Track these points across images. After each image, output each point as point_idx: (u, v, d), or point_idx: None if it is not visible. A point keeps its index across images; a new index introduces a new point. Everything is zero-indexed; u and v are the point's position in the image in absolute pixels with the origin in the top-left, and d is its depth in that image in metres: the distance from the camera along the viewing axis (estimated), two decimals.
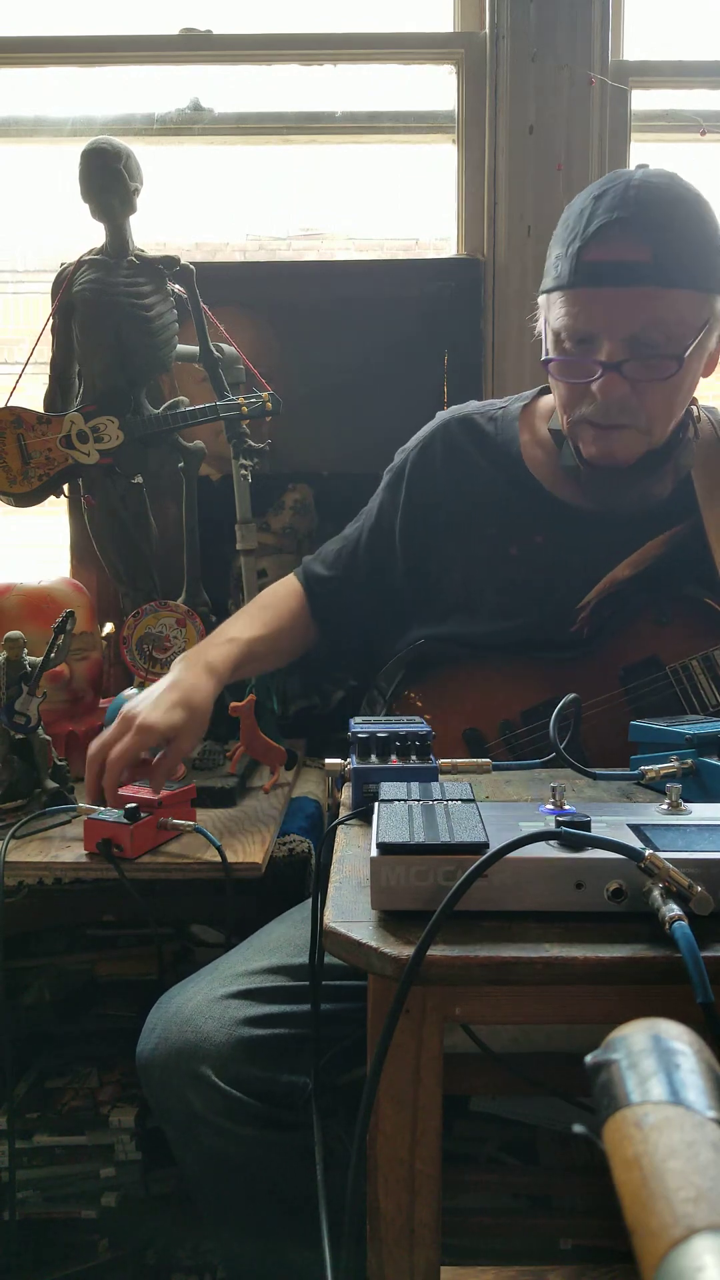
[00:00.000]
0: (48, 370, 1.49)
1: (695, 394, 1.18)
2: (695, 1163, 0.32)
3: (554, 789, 0.72)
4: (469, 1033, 0.81)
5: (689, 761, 0.88)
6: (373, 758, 0.88)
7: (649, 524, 1.20)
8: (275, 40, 1.84)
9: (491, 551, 1.24)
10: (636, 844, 0.64)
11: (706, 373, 1.17)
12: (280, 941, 1.12)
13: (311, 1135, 0.90)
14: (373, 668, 1.35)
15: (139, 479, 1.44)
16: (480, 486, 1.27)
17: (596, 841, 0.64)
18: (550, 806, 0.71)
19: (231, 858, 1.14)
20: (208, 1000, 1.02)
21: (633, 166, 1.16)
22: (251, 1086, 0.97)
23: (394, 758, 0.88)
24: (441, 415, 1.37)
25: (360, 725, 0.93)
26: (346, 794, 0.90)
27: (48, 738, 1.29)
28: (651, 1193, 0.32)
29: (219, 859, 1.13)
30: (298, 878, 1.31)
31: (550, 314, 1.14)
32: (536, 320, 1.21)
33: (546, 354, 1.15)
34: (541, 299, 1.17)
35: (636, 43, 1.82)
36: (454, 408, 1.38)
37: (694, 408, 1.20)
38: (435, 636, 1.25)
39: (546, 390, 1.35)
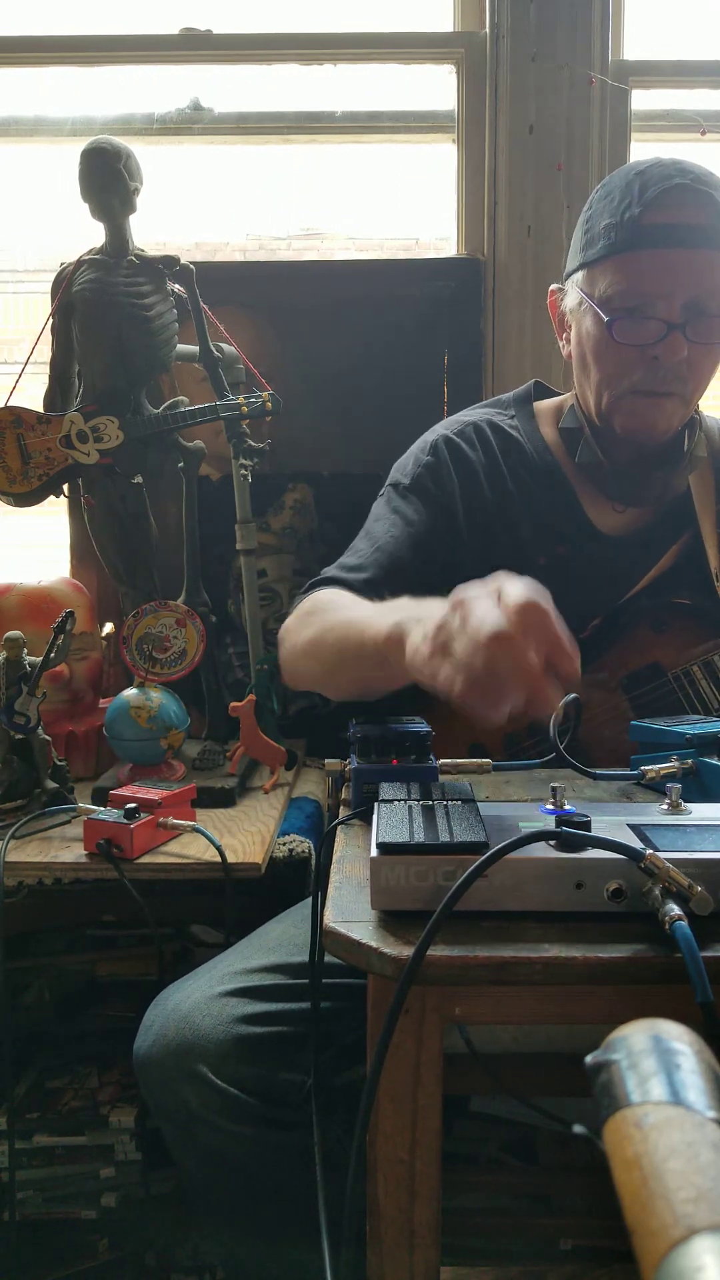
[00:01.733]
0: (47, 370, 1.49)
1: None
2: (695, 1163, 0.32)
3: (554, 789, 0.72)
4: (462, 1036, 0.81)
5: (689, 761, 0.88)
6: (373, 758, 0.88)
7: (663, 539, 1.20)
8: (275, 40, 1.84)
9: (523, 556, 1.21)
10: (636, 844, 0.64)
11: None
12: (278, 940, 1.12)
13: (310, 1134, 0.90)
14: None
15: (139, 479, 1.44)
16: (512, 490, 1.24)
17: (596, 841, 0.64)
18: (550, 806, 0.71)
19: (231, 858, 1.14)
20: (205, 998, 1.02)
21: (646, 158, 1.16)
22: (249, 1084, 0.97)
23: (394, 758, 0.88)
24: (458, 418, 1.31)
25: (360, 725, 0.93)
26: (346, 794, 0.90)
27: (48, 738, 1.29)
28: (651, 1193, 0.32)
29: (219, 859, 1.13)
30: (298, 878, 1.31)
31: (599, 284, 1.11)
32: (564, 300, 1.18)
33: (607, 318, 1.10)
34: (578, 275, 1.14)
35: (636, 43, 1.82)
36: (459, 415, 1.33)
37: (696, 412, 1.21)
38: None
39: (540, 394, 1.34)
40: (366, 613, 0.97)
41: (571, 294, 1.17)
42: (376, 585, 1.14)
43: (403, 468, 1.28)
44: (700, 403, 1.21)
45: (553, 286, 1.22)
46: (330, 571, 1.20)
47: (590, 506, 1.24)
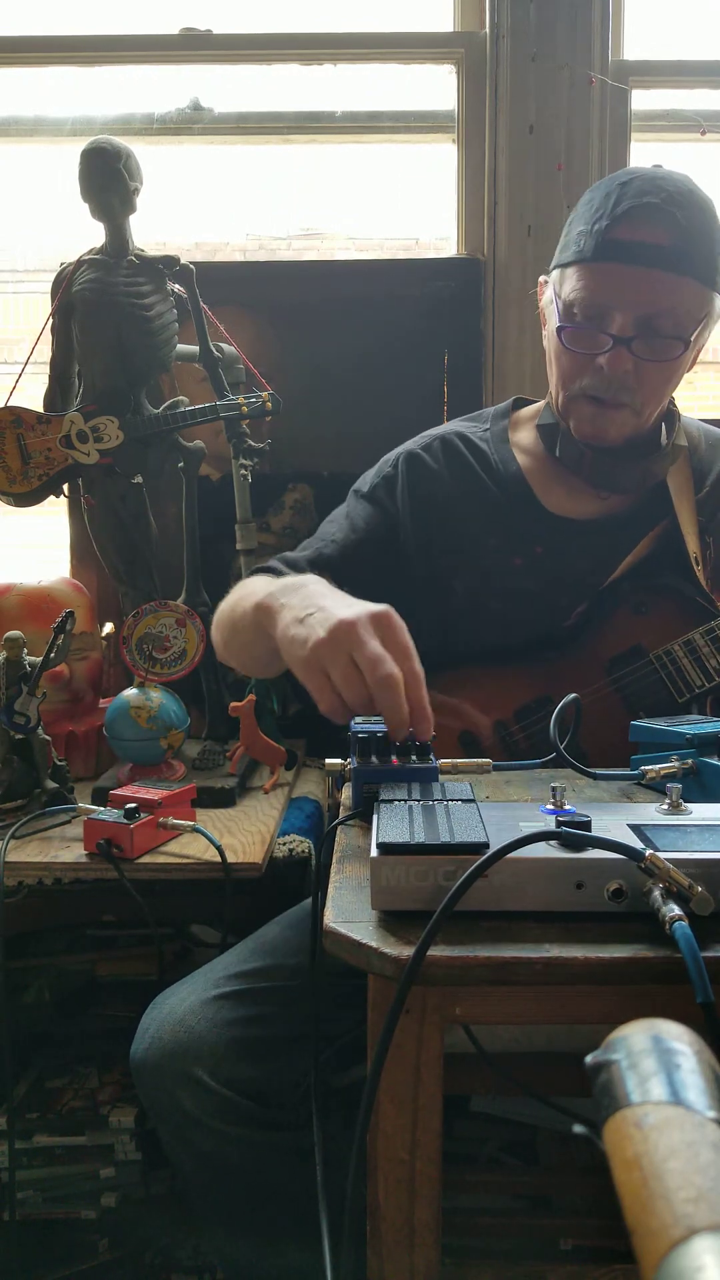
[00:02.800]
0: (48, 370, 1.49)
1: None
2: (695, 1163, 0.32)
3: (554, 789, 0.72)
4: (469, 1034, 0.81)
5: (689, 761, 0.88)
6: (373, 758, 0.88)
7: (638, 524, 1.22)
8: (275, 40, 1.84)
9: (495, 563, 1.25)
10: (637, 844, 0.64)
11: (689, 368, 1.22)
12: (274, 943, 1.12)
13: (305, 1135, 0.90)
14: None
15: (139, 479, 1.44)
16: (482, 501, 1.27)
17: (597, 841, 0.64)
18: (550, 806, 0.71)
19: (231, 858, 1.14)
20: (200, 1001, 1.02)
21: (646, 165, 1.18)
22: (243, 1087, 0.98)
23: (394, 758, 0.88)
24: (429, 432, 1.35)
25: (360, 725, 0.93)
26: (346, 794, 0.90)
27: (48, 738, 1.29)
28: (652, 1193, 0.32)
29: (219, 859, 1.13)
30: (298, 878, 1.31)
31: (564, 287, 1.15)
32: (543, 297, 1.22)
33: (558, 323, 1.15)
34: (555, 273, 1.18)
35: (636, 43, 1.82)
36: (432, 430, 1.36)
37: (674, 406, 1.24)
38: (436, 647, 1.25)
39: (520, 403, 1.37)
40: (258, 585, 1.04)
41: (547, 290, 1.21)
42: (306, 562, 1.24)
43: (365, 477, 1.36)
44: (696, 405, 1.23)
45: (541, 278, 1.25)
46: (271, 561, 1.28)
47: (561, 499, 1.26)
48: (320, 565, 1.23)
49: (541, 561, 1.24)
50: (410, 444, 1.34)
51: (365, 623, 0.82)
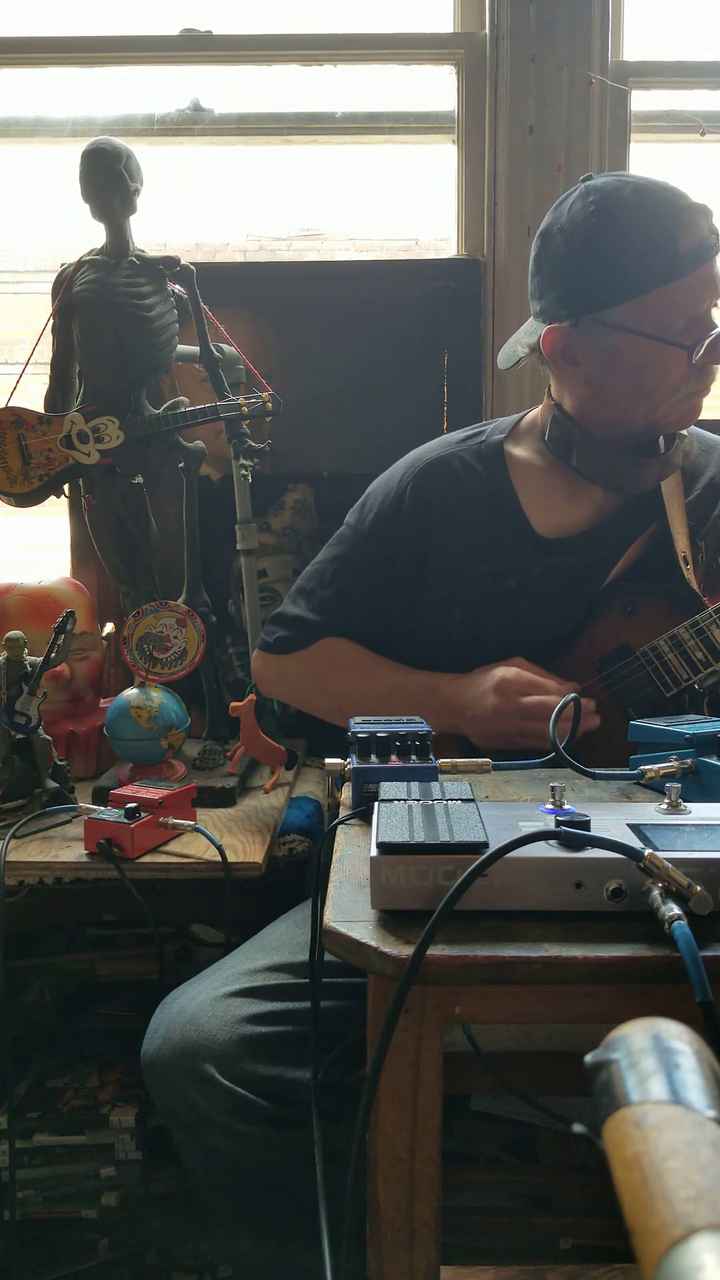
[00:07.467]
0: (48, 370, 1.50)
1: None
2: (695, 1162, 0.32)
3: (554, 789, 0.72)
4: (467, 1035, 0.81)
5: (688, 761, 0.88)
6: (373, 757, 0.88)
7: (630, 529, 1.22)
8: (275, 40, 1.84)
9: (491, 587, 1.24)
10: (636, 843, 0.64)
11: None
12: (282, 940, 1.12)
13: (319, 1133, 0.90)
14: None
15: (139, 479, 1.45)
16: (478, 528, 1.26)
17: (596, 841, 0.64)
18: (550, 806, 0.71)
19: (231, 857, 1.14)
20: (210, 999, 1.02)
21: (602, 179, 1.17)
22: (256, 1085, 0.97)
23: (394, 757, 0.88)
24: (423, 454, 1.32)
25: (360, 725, 0.93)
26: (346, 794, 0.90)
27: (48, 738, 1.29)
28: (651, 1192, 0.32)
29: (219, 858, 1.13)
30: (298, 878, 1.31)
31: (644, 318, 1.13)
32: (581, 338, 1.17)
33: (688, 345, 1.14)
34: (608, 313, 1.14)
35: (636, 43, 1.82)
36: (427, 448, 1.33)
37: None
38: (438, 665, 1.25)
39: (521, 413, 1.36)
40: (401, 681, 1.23)
41: (595, 331, 1.15)
42: (338, 625, 1.28)
43: (362, 510, 1.33)
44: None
45: (552, 325, 1.18)
46: (301, 612, 1.30)
47: (560, 508, 1.26)
48: (344, 610, 1.28)
49: (538, 580, 1.24)
50: (406, 473, 1.30)
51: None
